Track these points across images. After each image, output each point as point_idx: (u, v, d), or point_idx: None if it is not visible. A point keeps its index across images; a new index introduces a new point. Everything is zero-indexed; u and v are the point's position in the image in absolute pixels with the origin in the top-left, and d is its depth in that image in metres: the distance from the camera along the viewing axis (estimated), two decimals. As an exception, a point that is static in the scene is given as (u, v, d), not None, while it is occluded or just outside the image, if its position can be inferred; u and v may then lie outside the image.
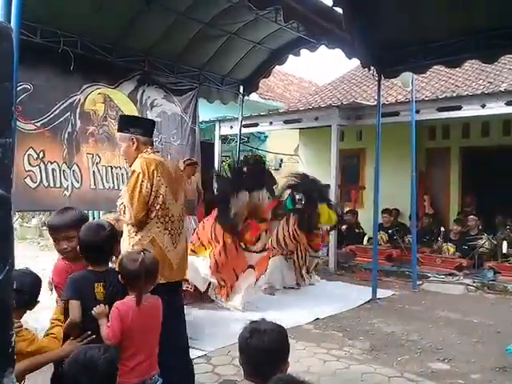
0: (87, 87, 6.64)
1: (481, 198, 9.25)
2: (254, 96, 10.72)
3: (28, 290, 2.26)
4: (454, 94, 8.22)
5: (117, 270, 2.56)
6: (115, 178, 6.94)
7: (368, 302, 6.30)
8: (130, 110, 7.25)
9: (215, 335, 4.63)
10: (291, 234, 6.92)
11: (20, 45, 3.18)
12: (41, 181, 6.02)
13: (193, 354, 4.11)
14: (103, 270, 2.53)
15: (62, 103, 6.32)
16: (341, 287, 7.31)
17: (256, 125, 10.22)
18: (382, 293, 6.64)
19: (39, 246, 11.36)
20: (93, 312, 2.37)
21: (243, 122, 9.42)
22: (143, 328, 2.41)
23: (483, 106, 7.43)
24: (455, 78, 9.27)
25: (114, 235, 2.66)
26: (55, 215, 2.89)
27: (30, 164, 5.86)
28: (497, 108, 7.35)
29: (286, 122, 9.77)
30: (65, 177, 6.27)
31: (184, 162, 7.50)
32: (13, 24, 3.12)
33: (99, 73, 6.76)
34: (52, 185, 6.14)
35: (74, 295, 2.40)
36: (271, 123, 10.06)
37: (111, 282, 2.49)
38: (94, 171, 6.66)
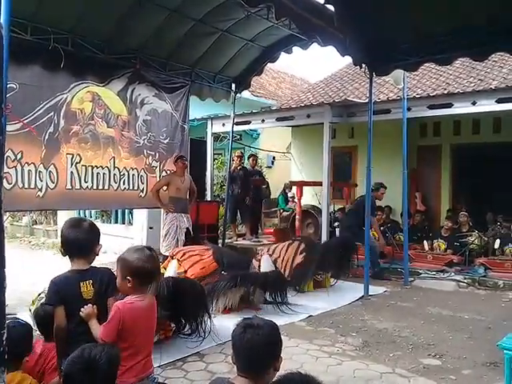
0: (75, 85, 6.57)
1: (472, 195, 9.32)
2: (246, 93, 10.72)
3: (19, 342, 2.22)
4: (445, 92, 8.25)
5: (107, 267, 2.51)
6: (95, 178, 6.89)
7: (360, 298, 6.33)
8: (119, 108, 7.19)
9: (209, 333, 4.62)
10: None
11: (10, 42, 3.17)
12: (16, 182, 5.95)
13: (186, 351, 4.14)
14: (88, 268, 2.42)
15: (47, 103, 6.24)
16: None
17: (248, 122, 10.20)
18: (374, 289, 6.66)
19: (30, 245, 11.29)
20: (81, 313, 2.29)
21: (235, 120, 9.39)
22: (146, 327, 2.34)
23: (474, 104, 7.47)
24: (446, 75, 9.31)
25: (95, 231, 2.51)
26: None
27: (6, 166, 5.72)
28: (487, 105, 7.38)
29: (278, 119, 9.76)
30: (40, 178, 6.20)
31: (175, 157, 7.55)
32: (2, 21, 3.09)
33: (88, 70, 6.70)
34: (27, 186, 6.07)
35: (56, 301, 2.32)
36: (263, 121, 10.03)
37: (101, 279, 2.39)
38: (71, 172, 6.59)
